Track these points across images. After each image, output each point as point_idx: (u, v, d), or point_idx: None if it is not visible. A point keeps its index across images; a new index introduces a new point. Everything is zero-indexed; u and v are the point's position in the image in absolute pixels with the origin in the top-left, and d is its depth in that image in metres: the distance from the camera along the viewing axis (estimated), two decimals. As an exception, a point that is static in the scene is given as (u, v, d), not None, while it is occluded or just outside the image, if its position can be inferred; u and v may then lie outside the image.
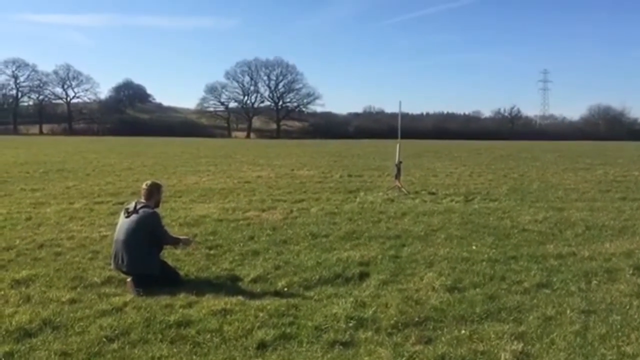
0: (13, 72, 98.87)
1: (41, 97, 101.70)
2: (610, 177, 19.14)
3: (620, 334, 4.61)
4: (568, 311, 5.15)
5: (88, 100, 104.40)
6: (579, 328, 4.73)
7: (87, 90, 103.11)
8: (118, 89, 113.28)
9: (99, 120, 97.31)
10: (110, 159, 27.30)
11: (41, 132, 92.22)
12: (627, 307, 5.32)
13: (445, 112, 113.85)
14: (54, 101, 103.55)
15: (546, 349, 4.30)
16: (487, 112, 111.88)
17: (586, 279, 6.26)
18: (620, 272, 6.54)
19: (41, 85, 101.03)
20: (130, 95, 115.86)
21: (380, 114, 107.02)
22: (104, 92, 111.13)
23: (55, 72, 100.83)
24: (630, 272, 6.51)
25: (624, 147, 52.51)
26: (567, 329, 4.70)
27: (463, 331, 4.65)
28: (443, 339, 4.50)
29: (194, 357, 4.17)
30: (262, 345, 4.36)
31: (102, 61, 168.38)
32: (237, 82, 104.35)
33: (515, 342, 4.37)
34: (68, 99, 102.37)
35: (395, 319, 4.91)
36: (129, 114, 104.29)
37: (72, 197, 12.83)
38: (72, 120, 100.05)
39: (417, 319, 4.92)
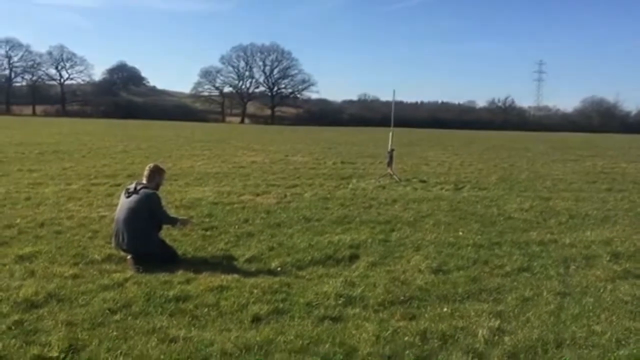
0: (7, 52, 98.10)
1: (34, 77, 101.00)
2: (599, 168, 19.52)
3: (591, 314, 4.93)
4: (545, 293, 5.47)
5: (82, 82, 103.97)
6: (554, 308, 5.04)
7: (80, 72, 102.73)
8: (112, 72, 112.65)
9: (92, 103, 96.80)
10: (105, 141, 27.42)
11: (34, 113, 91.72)
12: (601, 290, 5.64)
13: (440, 101, 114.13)
14: (47, 82, 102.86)
15: (521, 326, 4.60)
16: (481, 102, 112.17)
17: (565, 264, 6.58)
18: (598, 258, 6.87)
19: (35, 65, 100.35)
20: (124, 78, 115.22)
21: (375, 102, 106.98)
22: (97, 74, 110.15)
23: (49, 53, 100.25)
24: (608, 258, 6.84)
25: (616, 139, 53.00)
26: (542, 309, 5.01)
27: (445, 309, 4.95)
28: (426, 315, 4.81)
29: (193, 328, 4.44)
30: (256, 319, 4.64)
31: (97, 43, 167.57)
32: (232, 66, 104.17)
33: (492, 320, 4.68)
34: (62, 80, 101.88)
35: (382, 297, 5.21)
36: (123, 97, 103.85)
37: (69, 178, 13.03)
38: (66, 101, 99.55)
39: (402, 298, 5.22)
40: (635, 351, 4.13)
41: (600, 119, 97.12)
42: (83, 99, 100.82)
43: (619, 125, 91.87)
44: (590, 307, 5.07)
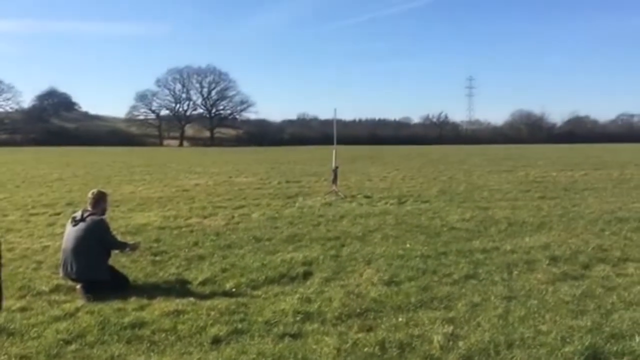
0: None
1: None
2: (531, 178, 20.47)
3: (537, 315, 5.21)
4: (492, 298, 5.74)
5: (10, 110, 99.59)
6: (502, 312, 5.30)
7: (8, 99, 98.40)
8: (42, 98, 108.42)
9: (21, 130, 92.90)
10: (39, 170, 26.42)
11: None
12: (544, 292, 5.96)
13: (377, 118, 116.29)
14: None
15: (473, 330, 4.82)
16: (416, 118, 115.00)
17: (508, 269, 6.90)
18: (538, 262, 7.25)
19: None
20: (54, 104, 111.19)
21: (314, 120, 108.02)
22: (27, 101, 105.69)
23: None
24: (547, 262, 7.24)
25: (544, 149, 55.57)
26: (491, 313, 5.26)
27: (400, 319, 5.11)
28: (383, 326, 4.95)
29: (152, 354, 4.40)
30: (216, 341, 4.64)
31: (25, 69, 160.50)
32: (169, 89, 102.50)
33: (446, 326, 4.87)
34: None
35: (339, 311, 5.32)
36: (54, 124, 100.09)
37: (4, 210, 12.51)
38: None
39: (358, 311, 5.35)
40: (579, 347, 4.39)
41: (529, 131, 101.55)
42: (12, 127, 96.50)
43: (546, 136, 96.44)
44: (535, 309, 5.36)
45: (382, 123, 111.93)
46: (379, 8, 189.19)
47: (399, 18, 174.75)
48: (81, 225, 6.12)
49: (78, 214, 6.29)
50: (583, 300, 5.66)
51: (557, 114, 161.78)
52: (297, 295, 5.83)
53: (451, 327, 4.83)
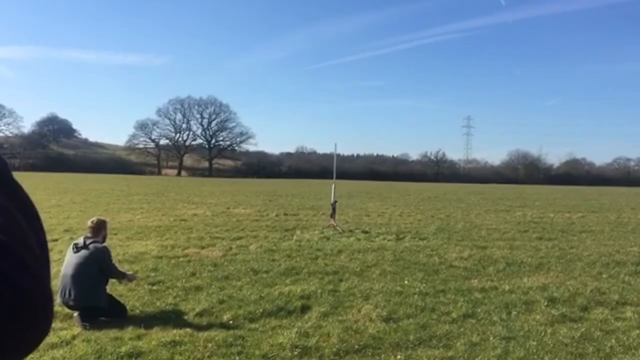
0: None
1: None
2: (529, 218, 20.51)
3: (536, 357, 5.19)
4: (491, 338, 5.71)
5: (10, 135, 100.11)
6: (501, 352, 5.28)
7: (9, 124, 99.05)
8: (42, 124, 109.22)
9: (21, 155, 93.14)
10: (36, 195, 26.36)
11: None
12: (542, 334, 5.95)
13: (375, 154, 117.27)
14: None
15: (472, 370, 4.80)
16: (414, 155, 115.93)
17: (507, 310, 6.88)
18: (536, 303, 7.23)
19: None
20: (54, 130, 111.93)
21: (313, 154, 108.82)
22: (27, 126, 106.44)
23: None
24: (545, 303, 7.22)
25: (541, 190, 55.78)
26: (490, 353, 5.23)
27: (399, 356, 5.09)
28: (381, 363, 4.92)
29: (148, 385, 4.37)
30: (213, 373, 4.61)
31: (26, 95, 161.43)
32: (169, 119, 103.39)
33: (445, 365, 4.85)
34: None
35: (337, 347, 5.29)
36: (53, 150, 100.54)
37: (1, 234, 12.45)
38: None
39: (357, 347, 5.32)
40: (578, 390, 4.38)
41: (526, 171, 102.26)
42: (11, 152, 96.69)
43: (542, 177, 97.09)
44: (534, 350, 5.34)
45: (380, 159, 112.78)
46: (374, 48, 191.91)
47: (396, 58, 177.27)
48: (83, 252, 6.13)
49: (80, 241, 6.30)
50: (582, 343, 5.64)
51: (554, 155, 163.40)
52: (295, 329, 5.80)
53: (450, 366, 4.80)
